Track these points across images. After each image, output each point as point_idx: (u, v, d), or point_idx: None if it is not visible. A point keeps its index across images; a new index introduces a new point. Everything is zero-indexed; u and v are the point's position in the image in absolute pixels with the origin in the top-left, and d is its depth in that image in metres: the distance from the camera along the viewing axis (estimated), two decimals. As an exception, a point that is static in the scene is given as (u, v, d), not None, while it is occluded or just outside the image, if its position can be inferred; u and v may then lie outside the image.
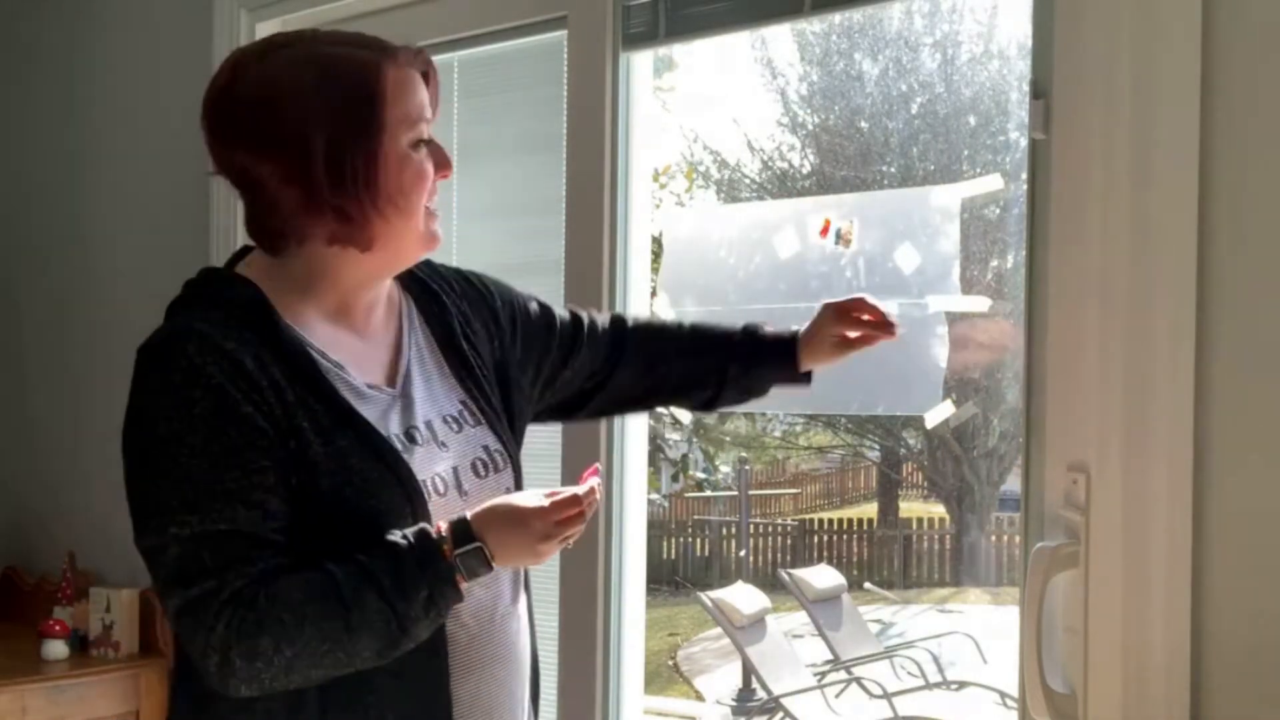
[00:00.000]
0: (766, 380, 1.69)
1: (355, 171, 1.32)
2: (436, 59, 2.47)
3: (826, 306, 1.66)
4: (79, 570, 2.94)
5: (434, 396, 1.46)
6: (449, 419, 1.45)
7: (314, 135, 1.31)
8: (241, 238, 1.43)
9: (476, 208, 2.42)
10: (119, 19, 3.04)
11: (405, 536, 1.30)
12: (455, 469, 1.42)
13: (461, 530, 1.32)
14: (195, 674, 1.33)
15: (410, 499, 1.35)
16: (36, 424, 3.24)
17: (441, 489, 1.39)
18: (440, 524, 1.33)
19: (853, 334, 1.64)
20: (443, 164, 1.41)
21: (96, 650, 2.79)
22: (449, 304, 1.53)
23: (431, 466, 1.39)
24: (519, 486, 1.49)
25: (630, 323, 1.73)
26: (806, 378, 1.68)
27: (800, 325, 1.68)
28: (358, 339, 1.43)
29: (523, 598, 1.50)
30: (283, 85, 1.33)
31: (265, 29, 2.69)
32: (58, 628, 2.77)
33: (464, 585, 1.31)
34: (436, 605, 1.30)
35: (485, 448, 1.46)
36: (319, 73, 1.33)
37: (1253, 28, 1.47)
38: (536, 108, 2.35)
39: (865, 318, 1.63)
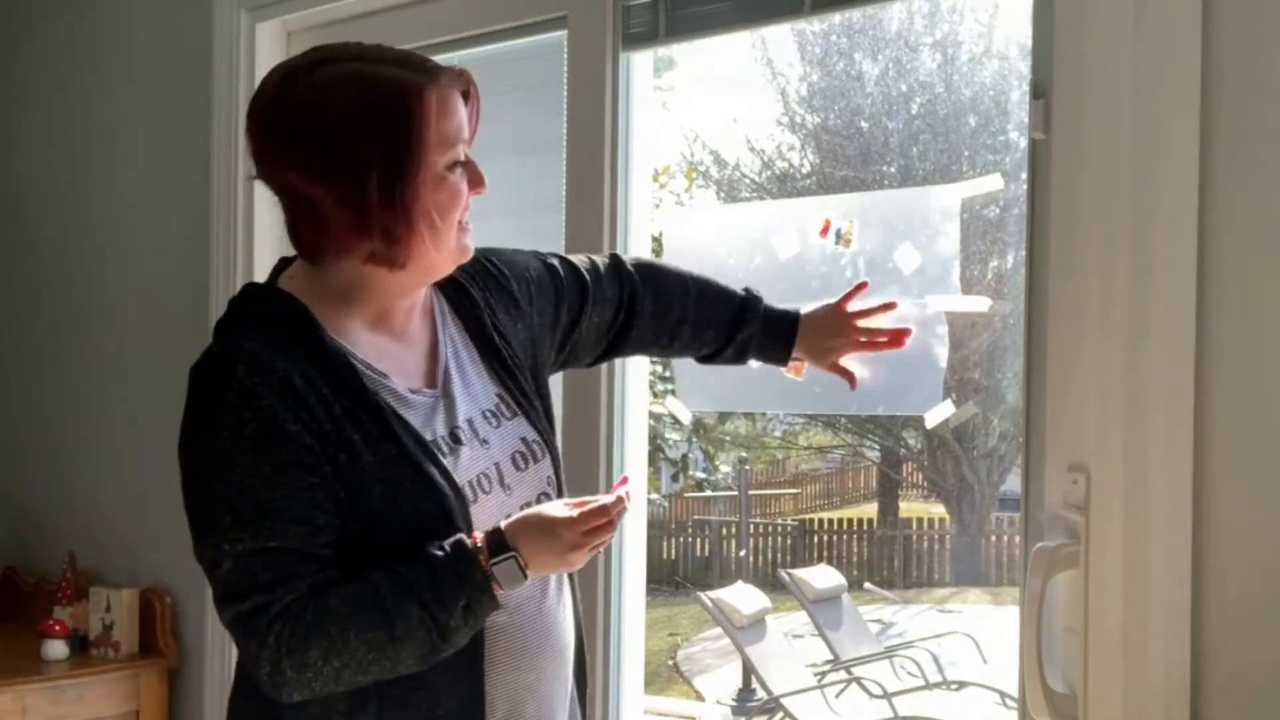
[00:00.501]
0: (756, 359, 1.80)
1: (403, 195, 1.36)
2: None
3: (848, 330, 1.78)
4: (79, 570, 2.94)
5: (472, 393, 1.50)
6: (487, 414, 1.50)
7: (367, 162, 1.34)
8: (242, 239, 1.45)
9: (477, 208, 2.41)
10: (118, 19, 3.04)
11: (443, 548, 1.35)
12: (497, 464, 1.47)
13: (496, 541, 1.36)
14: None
15: (459, 500, 1.39)
16: (37, 424, 3.24)
17: (486, 487, 1.44)
18: (476, 535, 1.37)
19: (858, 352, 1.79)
20: (476, 181, 1.45)
21: (96, 650, 2.79)
22: (477, 297, 1.57)
23: (476, 466, 1.44)
24: (557, 474, 1.54)
25: (639, 284, 1.74)
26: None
27: (802, 307, 1.79)
28: (398, 344, 1.47)
29: (566, 589, 1.55)
30: (332, 108, 1.36)
31: (265, 29, 2.69)
32: (58, 628, 2.77)
33: (500, 593, 1.36)
34: (474, 613, 1.35)
35: (523, 439, 1.51)
36: (367, 95, 1.36)
37: (1253, 27, 1.47)
38: (536, 108, 2.35)
39: (880, 339, 1.77)
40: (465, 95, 1.44)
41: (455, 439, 1.44)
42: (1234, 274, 1.48)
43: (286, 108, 1.37)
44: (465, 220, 1.45)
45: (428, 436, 1.40)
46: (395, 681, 1.36)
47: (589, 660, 1.61)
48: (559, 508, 1.40)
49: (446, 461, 1.40)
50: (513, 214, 2.37)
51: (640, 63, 2.25)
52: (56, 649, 2.75)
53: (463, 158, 1.43)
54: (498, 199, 2.40)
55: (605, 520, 1.38)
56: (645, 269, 1.76)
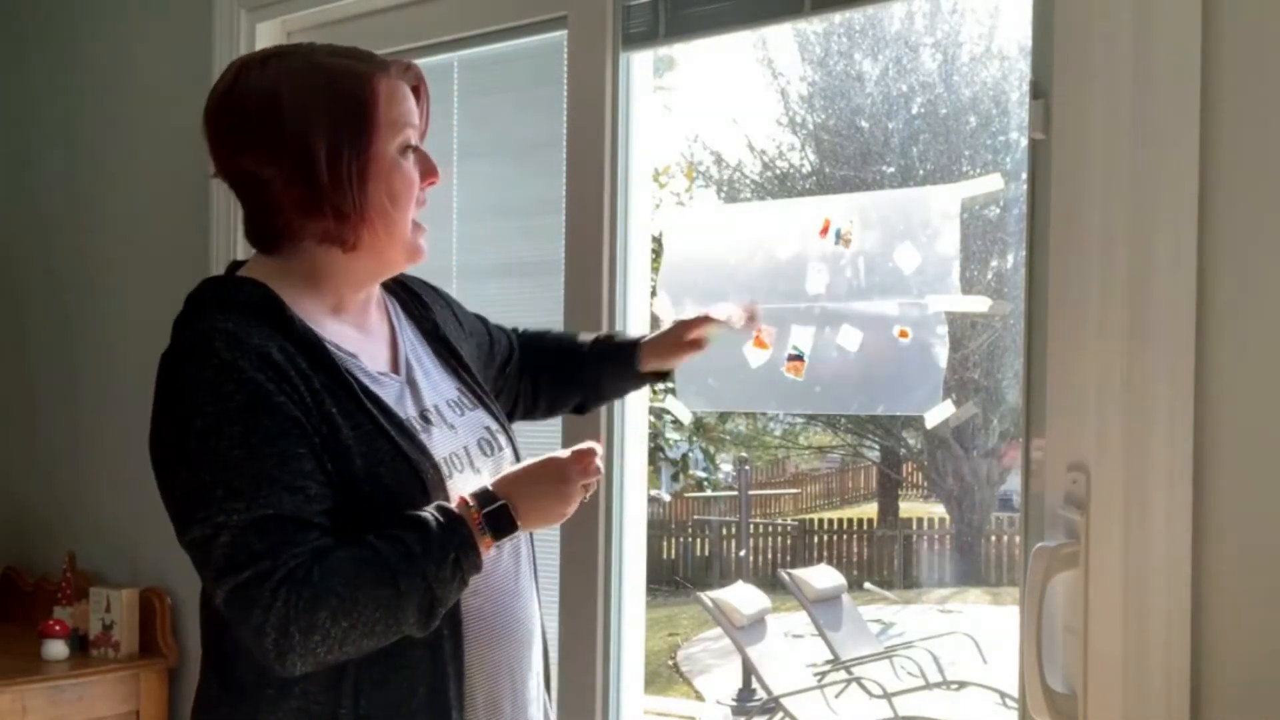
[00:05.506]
0: (616, 388, 1.87)
1: (352, 173, 1.39)
2: (436, 59, 2.47)
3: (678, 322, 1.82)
4: (79, 570, 2.94)
5: (434, 383, 1.54)
6: (451, 403, 1.54)
7: (315, 139, 1.38)
8: (242, 239, 1.46)
9: (476, 208, 2.42)
10: (118, 19, 3.04)
11: (429, 511, 1.37)
12: (465, 447, 1.49)
13: (485, 496, 1.39)
14: (227, 662, 1.40)
15: (436, 474, 1.41)
16: (37, 425, 3.24)
17: (459, 465, 1.46)
18: (464, 496, 1.39)
19: (693, 335, 1.78)
20: (429, 171, 1.48)
21: (96, 650, 2.79)
22: (428, 303, 1.63)
23: (447, 445, 1.46)
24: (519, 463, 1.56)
25: (522, 340, 1.85)
26: (652, 377, 1.84)
27: (646, 334, 1.85)
28: (358, 332, 1.50)
29: (533, 584, 1.57)
30: (283, 91, 1.40)
31: (265, 29, 2.69)
32: (58, 628, 2.77)
33: (487, 552, 1.38)
34: (462, 567, 1.36)
35: (487, 428, 1.55)
36: (318, 80, 1.41)
37: (1253, 27, 1.47)
38: (536, 108, 2.35)
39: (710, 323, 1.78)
40: (416, 92, 1.48)
41: (425, 419, 1.47)
42: (1234, 274, 1.47)
43: (239, 97, 1.41)
44: (419, 219, 1.48)
45: (400, 415, 1.42)
46: (375, 662, 1.36)
47: (548, 657, 1.63)
48: (544, 458, 1.44)
49: (422, 438, 1.42)
50: (513, 214, 2.37)
51: (640, 63, 2.25)
52: (56, 649, 2.75)
53: (413, 141, 1.46)
54: (498, 199, 2.41)
55: (593, 459, 1.42)
56: (528, 333, 1.87)
